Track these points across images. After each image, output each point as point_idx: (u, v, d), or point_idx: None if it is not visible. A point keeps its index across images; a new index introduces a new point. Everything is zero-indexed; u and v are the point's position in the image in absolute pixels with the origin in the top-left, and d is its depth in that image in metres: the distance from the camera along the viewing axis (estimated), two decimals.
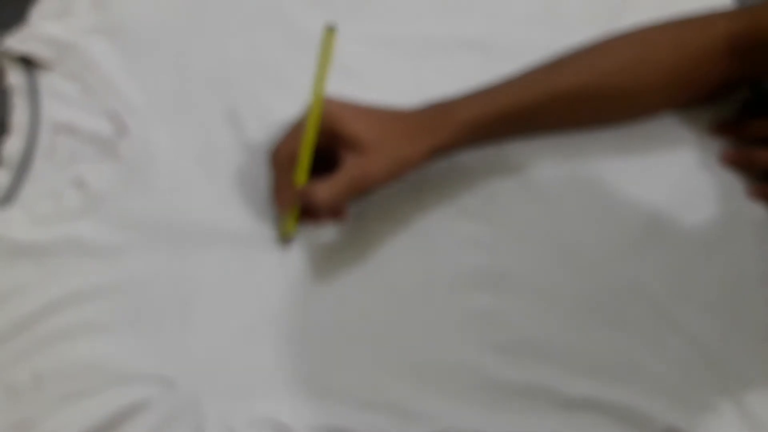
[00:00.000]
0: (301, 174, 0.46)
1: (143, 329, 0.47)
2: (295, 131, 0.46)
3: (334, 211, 0.48)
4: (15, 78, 0.55)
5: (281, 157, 0.47)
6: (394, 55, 0.55)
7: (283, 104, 0.50)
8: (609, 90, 0.49)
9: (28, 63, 0.55)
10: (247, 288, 0.48)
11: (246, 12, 0.57)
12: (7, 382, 0.45)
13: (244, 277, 0.49)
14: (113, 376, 0.45)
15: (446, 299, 0.48)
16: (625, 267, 0.49)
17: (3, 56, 0.55)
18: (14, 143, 0.52)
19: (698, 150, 0.52)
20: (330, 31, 0.43)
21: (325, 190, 0.45)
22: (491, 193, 0.51)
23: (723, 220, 0.50)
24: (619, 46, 0.49)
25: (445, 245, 0.49)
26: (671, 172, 0.52)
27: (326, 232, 0.50)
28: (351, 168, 0.45)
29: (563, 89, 0.48)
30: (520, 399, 0.46)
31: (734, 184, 0.51)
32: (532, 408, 0.45)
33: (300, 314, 0.48)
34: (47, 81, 0.55)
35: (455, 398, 0.46)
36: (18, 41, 0.54)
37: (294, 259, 0.49)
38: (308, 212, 0.48)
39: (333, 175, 0.45)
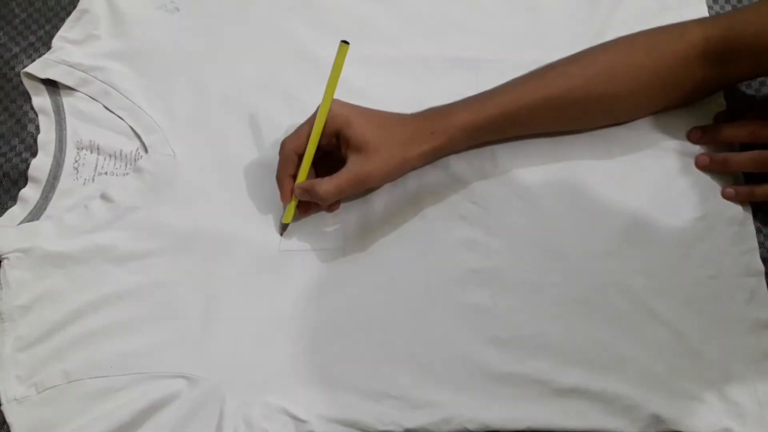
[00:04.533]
0: (303, 173, 0.50)
1: (167, 329, 0.50)
2: (304, 129, 0.50)
3: (332, 205, 0.52)
4: (40, 99, 0.58)
5: (288, 150, 0.51)
6: (395, 74, 0.58)
7: (293, 121, 0.52)
8: (591, 95, 0.51)
9: (52, 83, 0.59)
10: (263, 291, 0.51)
11: (258, 37, 0.60)
12: (40, 381, 0.49)
13: (260, 280, 0.52)
14: (140, 374, 0.48)
15: (445, 297, 0.51)
16: (609, 265, 0.51)
17: (29, 79, 0.59)
18: (42, 161, 0.56)
19: (677, 153, 0.55)
20: (344, 45, 0.46)
21: (328, 185, 0.49)
22: (485, 199, 0.54)
23: (701, 219, 0.52)
24: (599, 54, 0.52)
25: (443, 247, 0.52)
26: (651, 175, 0.54)
27: (331, 235, 0.53)
28: (354, 166, 0.49)
29: (549, 95, 0.51)
30: (515, 388, 0.48)
31: (711, 184, 0.53)
32: (527, 397, 0.48)
33: (311, 314, 0.51)
34: (71, 101, 0.58)
35: (455, 388, 0.48)
36: (42, 67, 0.58)
37: (306, 264, 0.52)
38: (309, 205, 0.52)
39: (337, 173, 0.49)
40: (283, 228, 0.53)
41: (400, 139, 0.49)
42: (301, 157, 0.50)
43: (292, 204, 0.51)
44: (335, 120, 0.49)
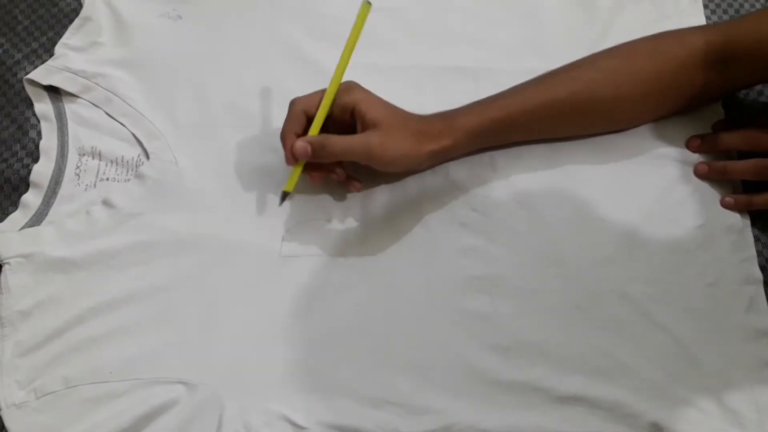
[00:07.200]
0: (315, 129, 0.50)
1: (168, 335, 0.50)
2: (317, 93, 0.50)
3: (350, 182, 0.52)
4: (42, 106, 0.59)
5: (297, 108, 0.50)
6: (396, 83, 0.58)
7: None
8: (593, 99, 0.52)
9: (54, 89, 0.59)
10: (264, 297, 0.51)
11: (260, 44, 0.60)
12: (39, 387, 0.49)
13: (260, 286, 0.52)
14: (140, 380, 0.49)
15: (445, 304, 0.51)
16: (609, 272, 0.51)
17: (31, 85, 0.59)
18: (44, 166, 0.56)
19: (676, 161, 0.55)
20: (366, 4, 0.46)
21: (339, 142, 0.49)
22: (485, 205, 0.54)
23: (700, 227, 0.53)
24: (602, 59, 0.52)
25: (443, 254, 0.52)
26: (651, 183, 0.54)
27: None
28: (370, 135, 0.49)
29: (552, 99, 0.52)
30: (515, 395, 0.48)
31: (710, 192, 0.54)
32: (526, 404, 0.48)
33: (311, 320, 0.51)
34: (73, 108, 0.59)
35: (455, 395, 0.48)
36: (45, 74, 0.58)
37: (306, 269, 0.52)
38: (320, 173, 0.52)
39: (349, 135, 0.49)
40: (283, 197, 0.52)
41: (411, 131, 0.50)
42: (309, 118, 0.50)
43: (297, 169, 0.50)
44: (354, 93, 0.49)
